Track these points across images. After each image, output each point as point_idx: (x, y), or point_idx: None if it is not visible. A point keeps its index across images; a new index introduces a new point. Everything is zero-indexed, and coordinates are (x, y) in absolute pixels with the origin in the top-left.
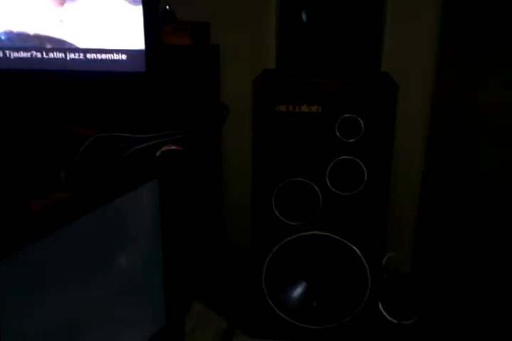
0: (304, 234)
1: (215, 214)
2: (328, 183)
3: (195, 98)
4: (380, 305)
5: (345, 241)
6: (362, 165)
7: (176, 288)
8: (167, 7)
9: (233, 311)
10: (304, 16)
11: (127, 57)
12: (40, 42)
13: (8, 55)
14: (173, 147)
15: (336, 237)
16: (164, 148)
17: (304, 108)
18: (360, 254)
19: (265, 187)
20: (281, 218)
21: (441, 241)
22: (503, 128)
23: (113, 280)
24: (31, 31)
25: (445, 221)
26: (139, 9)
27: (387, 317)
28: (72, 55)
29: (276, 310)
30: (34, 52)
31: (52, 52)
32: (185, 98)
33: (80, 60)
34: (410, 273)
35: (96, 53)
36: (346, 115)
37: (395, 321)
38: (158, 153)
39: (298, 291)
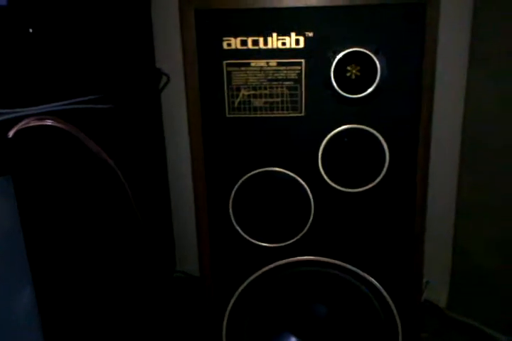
0: (286, 261)
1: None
2: (323, 174)
3: (108, 53)
4: None
5: (358, 271)
6: (380, 138)
7: None
8: None
9: None
10: None
11: None
12: None
13: None
14: (45, 122)
15: (342, 265)
16: (22, 125)
17: (273, 41)
18: (384, 292)
19: (218, 186)
20: (246, 236)
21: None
22: None
23: None
24: None
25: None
26: None
27: None
28: None
29: None
30: None
31: None
32: (92, 51)
33: None
34: (447, 306)
35: None
36: (353, 49)
37: None
38: (11, 134)
39: None
